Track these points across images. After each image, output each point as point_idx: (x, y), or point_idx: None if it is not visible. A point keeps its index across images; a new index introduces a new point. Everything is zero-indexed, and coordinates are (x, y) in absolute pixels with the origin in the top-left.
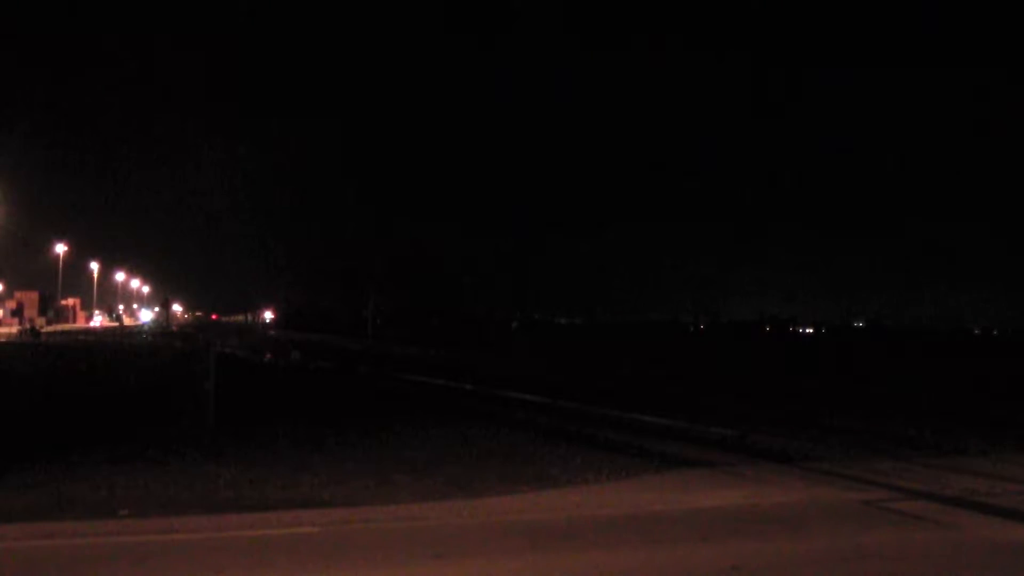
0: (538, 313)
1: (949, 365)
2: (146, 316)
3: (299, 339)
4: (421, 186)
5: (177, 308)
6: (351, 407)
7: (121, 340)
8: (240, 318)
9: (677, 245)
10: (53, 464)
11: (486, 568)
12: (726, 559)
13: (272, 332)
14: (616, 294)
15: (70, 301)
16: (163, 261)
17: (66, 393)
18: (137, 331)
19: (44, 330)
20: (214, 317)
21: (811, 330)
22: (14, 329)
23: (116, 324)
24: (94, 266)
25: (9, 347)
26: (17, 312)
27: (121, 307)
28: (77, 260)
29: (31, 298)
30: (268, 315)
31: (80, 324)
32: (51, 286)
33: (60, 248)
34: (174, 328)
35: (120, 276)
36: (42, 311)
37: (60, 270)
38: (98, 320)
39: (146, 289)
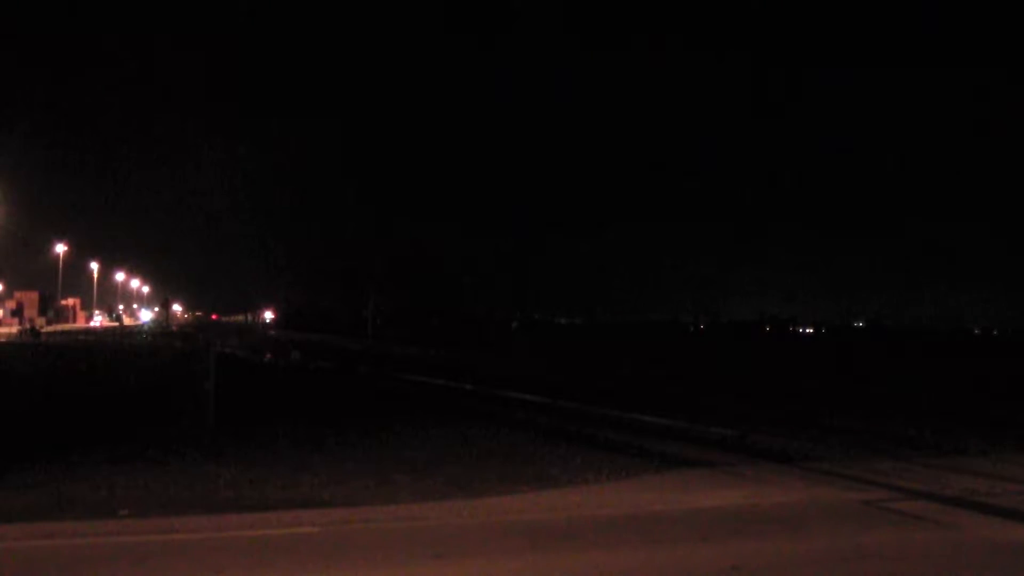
0: (538, 313)
1: (949, 365)
2: (146, 316)
3: (299, 339)
4: (421, 186)
5: (177, 308)
6: (351, 407)
7: (121, 340)
8: (240, 318)
9: (677, 245)
10: (53, 464)
11: (486, 568)
12: (726, 559)
13: (272, 332)
14: (616, 294)
15: (70, 301)
16: (163, 261)
17: (66, 393)
18: (137, 331)
19: (44, 330)
20: (214, 317)
21: (811, 330)
22: (14, 329)
23: (116, 324)
24: (94, 266)
25: (9, 347)
26: (17, 312)
27: (121, 307)
28: (77, 260)
29: (31, 298)
30: (268, 315)
31: (80, 324)
32: (51, 286)
33: (60, 248)
34: (174, 328)
35: (120, 276)
36: (42, 311)
37: (60, 270)
38: (98, 320)
39: (146, 289)
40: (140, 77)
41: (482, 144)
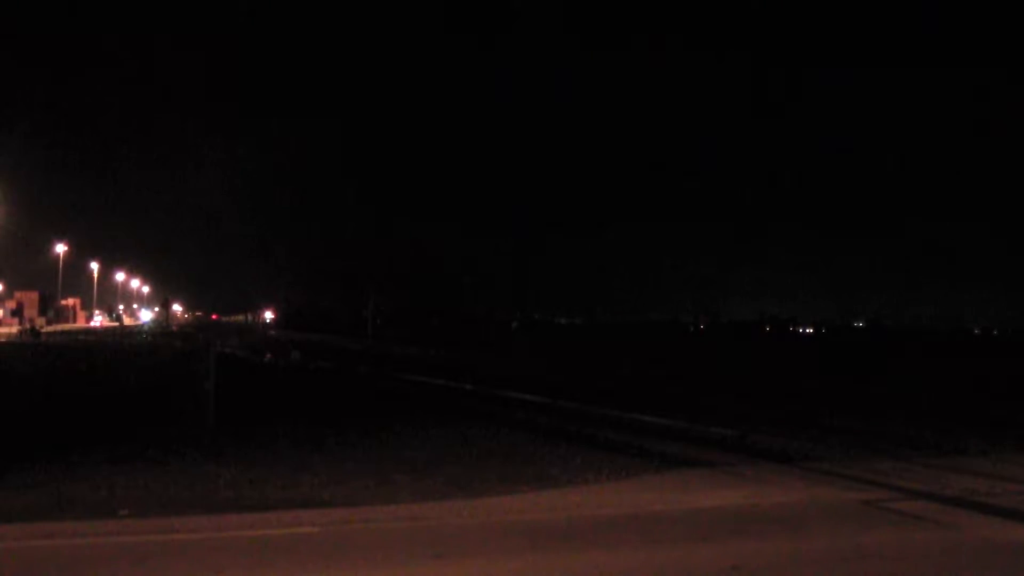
0: (538, 313)
1: (949, 365)
2: (146, 316)
3: (299, 339)
4: (421, 186)
5: (177, 308)
6: (351, 407)
7: (121, 340)
8: (240, 318)
9: (677, 245)
10: (53, 464)
11: (486, 568)
12: (726, 559)
13: (272, 332)
14: (616, 294)
15: (70, 301)
16: (163, 261)
17: (66, 393)
18: (137, 331)
19: (44, 330)
20: (214, 317)
21: (811, 330)
22: (14, 329)
23: (116, 324)
24: (94, 266)
25: (9, 347)
26: (17, 312)
27: (121, 307)
28: (77, 260)
29: (31, 298)
30: (268, 315)
31: (80, 324)
32: (51, 286)
33: (60, 248)
34: (174, 328)
35: (120, 276)
36: (42, 311)
37: (60, 270)
38: (98, 320)
39: (146, 289)
40: (140, 77)
41: (482, 144)
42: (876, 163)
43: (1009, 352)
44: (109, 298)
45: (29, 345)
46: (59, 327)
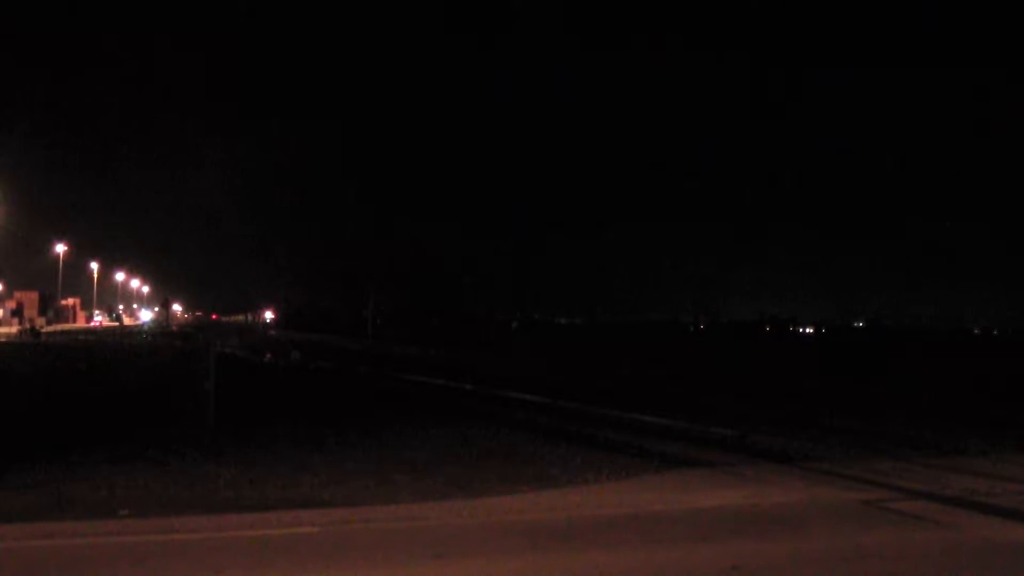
0: (538, 313)
1: (949, 365)
2: (146, 316)
3: (299, 339)
4: (421, 186)
5: (177, 308)
6: (351, 407)
7: (121, 340)
8: (240, 318)
9: (677, 245)
10: (53, 464)
11: (486, 568)
12: (726, 559)
13: (272, 332)
14: (616, 294)
15: (70, 301)
16: (163, 261)
17: (66, 393)
18: (137, 331)
19: (44, 330)
20: (214, 317)
21: (811, 330)
22: (14, 329)
23: (116, 324)
24: (94, 266)
25: (9, 347)
26: (17, 312)
27: (121, 307)
28: (77, 260)
29: (31, 298)
30: (268, 315)
31: (80, 324)
32: (51, 286)
33: (60, 248)
34: (174, 328)
35: (120, 276)
36: (42, 311)
37: (60, 270)
38: (98, 320)
39: (146, 289)
40: (140, 77)
41: (482, 144)
42: (876, 163)
43: (1009, 352)
44: (109, 298)
45: (29, 345)
46: (59, 327)
